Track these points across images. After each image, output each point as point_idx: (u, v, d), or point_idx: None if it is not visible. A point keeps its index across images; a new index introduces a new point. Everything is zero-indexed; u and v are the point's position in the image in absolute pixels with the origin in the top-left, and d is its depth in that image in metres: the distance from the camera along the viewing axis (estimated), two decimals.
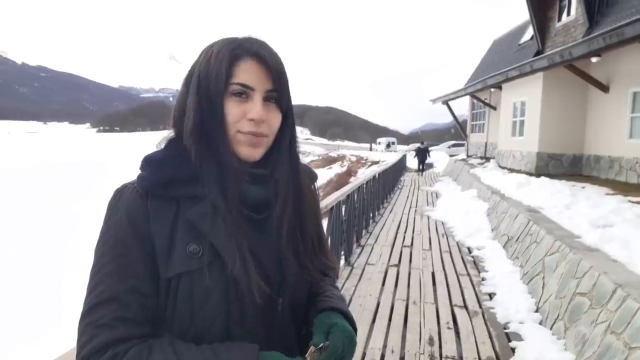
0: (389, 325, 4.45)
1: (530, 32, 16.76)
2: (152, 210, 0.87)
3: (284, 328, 0.93)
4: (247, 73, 0.90)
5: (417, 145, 29.41)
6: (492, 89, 17.34)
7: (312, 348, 0.89)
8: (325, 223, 5.11)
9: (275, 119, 0.94)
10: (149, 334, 0.83)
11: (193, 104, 0.91)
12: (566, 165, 12.36)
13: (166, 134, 0.98)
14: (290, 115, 0.98)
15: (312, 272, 0.98)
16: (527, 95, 13.20)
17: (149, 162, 0.92)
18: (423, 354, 3.86)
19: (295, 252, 0.96)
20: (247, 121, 0.90)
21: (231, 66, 0.89)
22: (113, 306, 0.81)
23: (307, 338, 0.94)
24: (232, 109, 0.90)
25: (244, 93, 0.90)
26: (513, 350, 3.93)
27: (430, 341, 4.11)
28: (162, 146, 0.96)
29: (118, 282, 0.83)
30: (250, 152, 0.92)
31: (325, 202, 5.18)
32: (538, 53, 14.94)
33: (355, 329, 0.98)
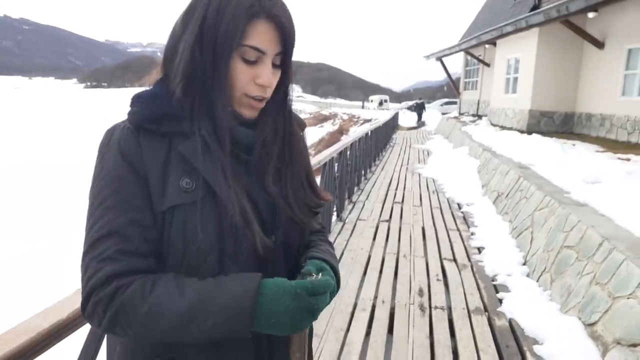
0: (379, 277, 4.54)
1: None
2: (144, 145, 0.86)
3: (276, 265, 0.93)
4: (262, 36, 0.87)
5: (415, 101, 31.29)
6: (487, 46, 17.12)
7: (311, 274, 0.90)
8: (318, 179, 5.12)
9: (276, 79, 0.93)
10: (153, 267, 0.84)
11: (189, 49, 0.87)
12: (558, 123, 12.38)
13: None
14: (288, 72, 0.97)
15: (303, 212, 0.98)
16: (522, 52, 13.06)
17: (139, 98, 0.90)
18: (413, 304, 3.95)
19: (284, 193, 0.96)
20: (255, 85, 0.89)
21: (246, 25, 0.85)
22: (115, 239, 0.81)
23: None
24: (241, 72, 0.88)
25: (255, 59, 0.88)
26: (500, 300, 4.04)
27: (420, 292, 4.21)
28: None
29: (118, 216, 0.82)
30: (251, 113, 0.93)
31: (318, 159, 5.17)
32: (534, 8, 14.67)
33: (338, 287, 0.98)
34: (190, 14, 0.88)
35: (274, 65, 0.91)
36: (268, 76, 0.88)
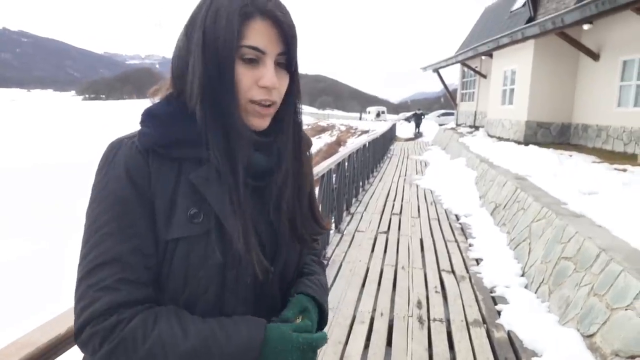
0: (378, 289, 4.53)
1: None
2: (153, 168, 0.82)
3: (273, 297, 0.92)
4: (259, 35, 0.83)
5: (413, 112, 35.80)
6: (483, 57, 17.26)
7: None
8: (316, 191, 5.13)
9: (284, 84, 0.89)
10: (152, 296, 0.81)
11: (199, 64, 0.83)
12: (554, 134, 12.44)
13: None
14: (296, 80, 0.93)
15: (305, 238, 0.97)
16: (518, 63, 13.16)
17: (152, 118, 0.85)
18: (411, 316, 3.95)
19: (291, 221, 0.94)
20: (258, 88, 0.84)
21: (241, 26, 0.82)
22: (116, 268, 0.77)
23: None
24: (243, 76, 0.83)
25: (255, 58, 0.83)
26: (499, 312, 4.04)
27: (419, 304, 4.20)
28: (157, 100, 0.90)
29: (120, 243, 0.79)
30: (260, 122, 0.88)
31: (316, 170, 5.18)
32: (530, 20, 14.83)
33: (325, 323, 0.98)
34: (192, 26, 0.86)
35: (279, 66, 0.87)
36: (270, 76, 0.83)
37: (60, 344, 1.25)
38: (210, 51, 0.82)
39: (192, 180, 0.82)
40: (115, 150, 0.83)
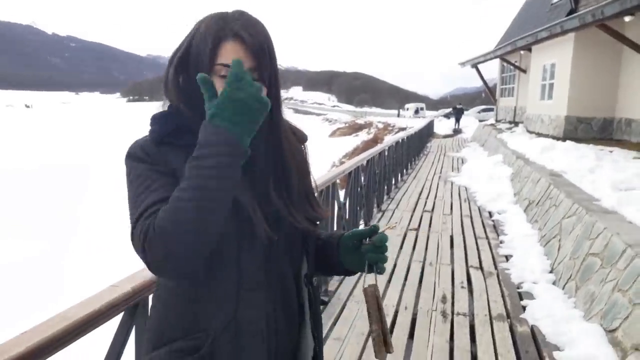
0: (404, 284, 4.62)
1: None
2: (167, 154, 1.01)
3: (280, 259, 1.09)
4: (228, 53, 0.99)
5: (453, 106, 36.24)
6: (522, 51, 16.86)
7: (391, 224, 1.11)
8: (342, 191, 5.26)
9: None
10: None
11: (172, 77, 1.05)
12: (596, 129, 12.09)
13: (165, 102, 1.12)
14: (273, 86, 1.06)
15: (300, 221, 1.12)
16: (557, 57, 12.85)
17: (157, 118, 1.06)
18: (435, 310, 4.03)
19: (286, 204, 1.10)
20: None
21: (215, 48, 0.99)
22: (160, 205, 0.93)
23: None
24: (218, 88, 0.97)
25: (227, 74, 0.97)
26: (524, 307, 4.06)
27: (443, 299, 4.27)
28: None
29: (160, 194, 0.95)
30: None
31: (343, 167, 5.31)
32: (571, 12, 14.40)
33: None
34: (179, 48, 1.06)
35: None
36: None
37: (95, 319, 1.44)
38: (192, 67, 1.02)
39: None
40: (134, 147, 1.04)
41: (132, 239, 0.94)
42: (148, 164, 1.00)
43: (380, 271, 1.13)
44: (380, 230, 1.14)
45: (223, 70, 0.99)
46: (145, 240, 0.90)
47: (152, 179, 0.98)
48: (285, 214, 1.09)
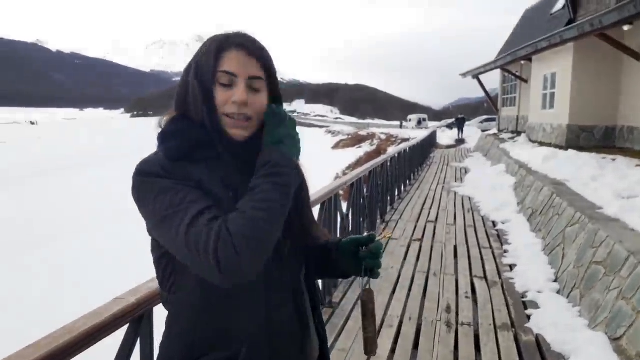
0: (408, 295, 4.62)
1: (562, 0, 16.25)
2: (185, 168, 1.01)
3: (290, 263, 1.14)
4: (231, 62, 1.04)
5: (455, 117, 36.95)
6: (523, 62, 16.94)
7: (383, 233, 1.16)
8: (345, 203, 5.27)
9: (258, 102, 1.06)
10: None
11: (196, 87, 1.06)
12: (598, 138, 12.09)
13: (162, 118, 1.13)
14: (277, 100, 1.12)
15: (297, 234, 1.17)
16: (558, 67, 12.90)
17: (168, 135, 1.06)
18: (440, 320, 4.02)
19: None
20: (231, 104, 1.03)
21: (218, 58, 1.04)
22: (210, 212, 0.95)
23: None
24: (220, 96, 1.04)
25: (230, 82, 1.04)
26: (529, 317, 4.05)
27: (448, 309, 4.26)
28: (163, 125, 1.10)
29: (202, 204, 0.96)
30: (237, 132, 1.06)
31: (345, 179, 5.34)
32: (570, 22, 14.50)
33: None
34: (189, 65, 1.10)
35: (253, 90, 1.05)
36: (240, 94, 1.02)
37: (101, 330, 1.46)
38: (199, 79, 1.06)
39: (219, 174, 1.03)
40: (147, 163, 1.03)
41: (188, 244, 0.92)
42: (171, 179, 0.99)
43: (375, 276, 1.18)
44: (377, 239, 1.19)
45: (224, 78, 1.04)
46: (218, 241, 0.90)
47: (185, 192, 0.97)
48: (296, 219, 1.15)
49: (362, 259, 1.17)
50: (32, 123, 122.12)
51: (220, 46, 1.05)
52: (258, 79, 1.06)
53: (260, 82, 1.07)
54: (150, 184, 0.99)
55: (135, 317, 1.63)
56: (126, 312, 1.57)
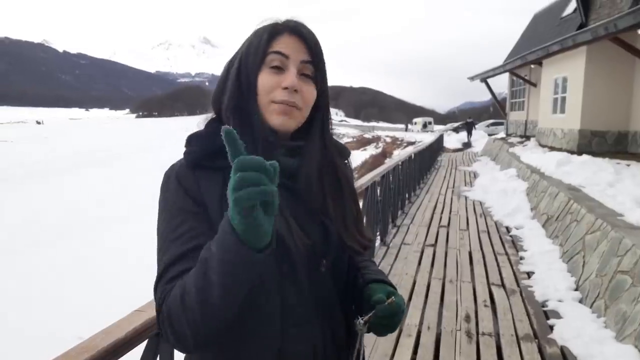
0: (425, 303, 4.49)
1: (573, 4, 16.11)
2: (201, 181, 0.92)
3: (327, 286, 0.99)
4: (284, 44, 0.95)
5: (464, 120, 37.52)
6: (532, 65, 16.80)
7: (371, 314, 0.94)
8: (360, 203, 5.16)
9: (309, 92, 0.97)
10: None
11: (232, 82, 0.98)
12: (610, 143, 11.93)
13: (204, 117, 1.04)
14: (324, 96, 1.02)
15: (349, 245, 1.02)
16: (569, 71, 12.75)
17: (194, 138, 0.98)
18: (460, 330, 3.89)
19: (338, 220, 1.00)
20: (281, 90, 0.94)
21: (269, 40, 0.95)
22: (182, 263, 0.86)
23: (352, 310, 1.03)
24: (267, 80, 0.94)
25: (280, 65, 0.94)
26: (551, 327, 3.91)
27: (467, 318, 4.13)
28: (202, 126, 1.01)
29: (186, 243, 0.88)
30: (283, 121, 0.95)
31: (360, 182, 5.21)
32: (581, 26, 14.35)
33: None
34: (232, 59, 1.01)
35: (305, 75, 0.96)
36: (292, 79, 0.93)
37: (120, 347, 1.34)
38: (243, 67, 0.97)
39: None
40: (169, 174, 0.96)
41: (154, 292, 0.88)
42: (178, 192, 0.92)
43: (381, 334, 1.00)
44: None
45: (276, 60, 0.95)
46: (160, 312, 0.85)
47: (177, 221, 0.90)
48: (340, 228, 1.00)
49: (377, 313, 0.95)
50: (39, 122, 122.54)
51: (273, 29, 0.97)
52: (310, 63, 0.97)
53: (311, 69, 0.98)
54: (162, 192, 0.95)
55: (154, 332, 1.51)
56: (146, 326, 1.45)
